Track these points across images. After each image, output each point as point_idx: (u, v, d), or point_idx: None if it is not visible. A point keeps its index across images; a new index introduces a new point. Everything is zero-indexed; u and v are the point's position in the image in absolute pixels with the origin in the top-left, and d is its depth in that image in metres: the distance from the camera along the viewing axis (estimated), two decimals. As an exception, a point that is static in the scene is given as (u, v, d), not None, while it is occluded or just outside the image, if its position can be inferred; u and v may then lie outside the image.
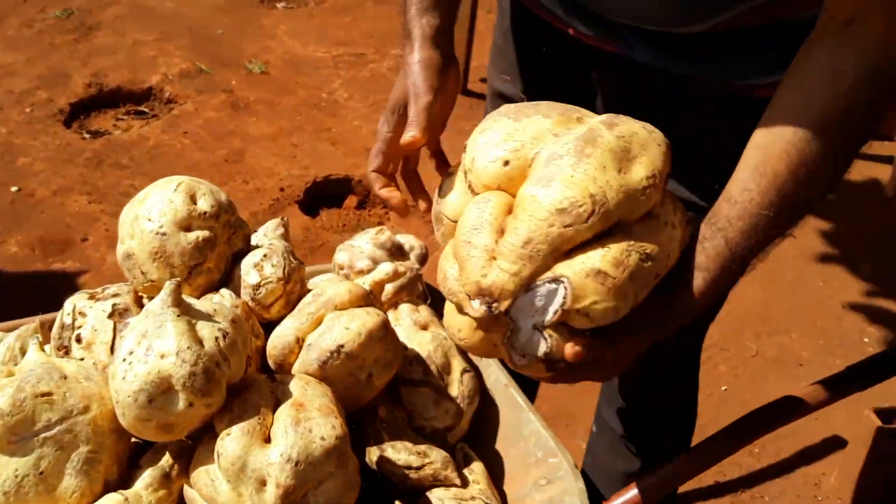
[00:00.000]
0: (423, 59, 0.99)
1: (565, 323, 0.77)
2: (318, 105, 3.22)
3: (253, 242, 1.21)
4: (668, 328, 0.82)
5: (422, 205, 1.02)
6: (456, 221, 0.85)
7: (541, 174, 0.78)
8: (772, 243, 0.83)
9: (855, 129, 0.78)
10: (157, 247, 1.05)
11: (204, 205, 1.10)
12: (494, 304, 0.77)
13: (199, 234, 1.08)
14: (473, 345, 0.85)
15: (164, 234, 1.06)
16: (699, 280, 0.81)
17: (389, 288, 1.23)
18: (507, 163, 0.81)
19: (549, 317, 0.77)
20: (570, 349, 0.77)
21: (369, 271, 1.28)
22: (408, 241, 1.42)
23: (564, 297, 0.76)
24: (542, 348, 0.78)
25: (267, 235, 1.26)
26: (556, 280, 0.76)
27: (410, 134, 0.95)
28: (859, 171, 3.17)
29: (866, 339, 2.39)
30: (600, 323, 0.77)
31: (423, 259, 1.39)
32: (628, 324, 0.79)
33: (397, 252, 1.34)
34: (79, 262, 2.35)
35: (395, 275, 1.26)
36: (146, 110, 3.11)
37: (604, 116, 0.84)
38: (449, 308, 0.87)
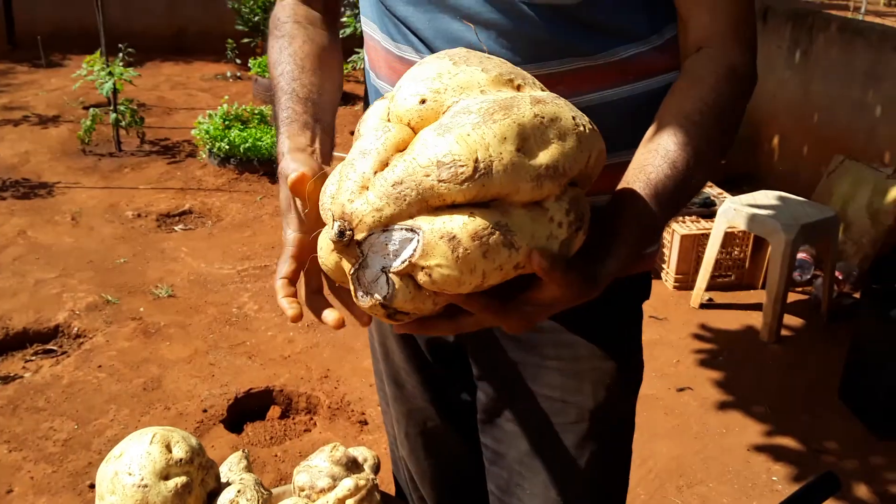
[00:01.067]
0: (293, 149, 0.95)
1: (412, 277, 0.75)
2: (230, 321, 3.31)
3: (222, 479, 1.29)
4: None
5: (331, 318, 0.89)
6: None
7: (443, 122, 0.76)
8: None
9: (722, 120, 0.95)
10: (139, 499, 1.12)
11: (179, 452, 1.20)
12: (348, 232, 0.75)
13: (178, 481, 1.17)
14: (328, 267, 0.82)
15: (145, 486, 1.14)
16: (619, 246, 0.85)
17: (350, 502, 1.32)
18: (423, 101, 0.78)
19: (397, 264, 0.74)
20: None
21: (330, 489, 1.37)
22: (360, 453, 1.52)
23: (414, 250, 0.73)
24: (383, 291, 0.75)
25: (232, 470, 1.34)
26: (412, 230, 0.74)
27: (294, 174, 0.86)
28: (736, 320, 3.49)
29: (775, 478, 2.57)
30: (443, 288, 0.74)
31: (376, 469, 1.49)
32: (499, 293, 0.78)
33: (353, 466, 1.44)
34: (3, 515, 2.29)
35: (356, 489, 1.36)
36: (55, 348, 3.12)
37: (544, 93, 0.81)
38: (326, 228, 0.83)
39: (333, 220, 0.76)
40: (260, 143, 4.75)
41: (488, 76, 0.80)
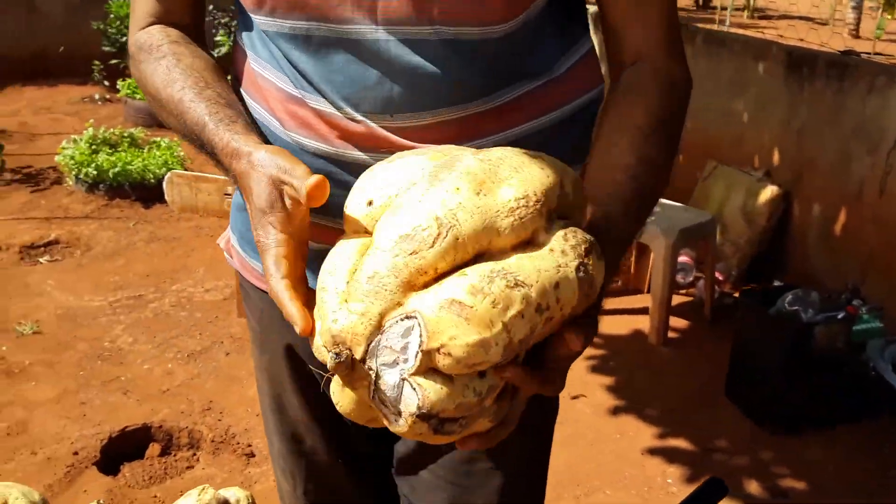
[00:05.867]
0: (253, 144, 0.86)
1: (436, 370, 0.67)
2: (102, 356, 3.11)
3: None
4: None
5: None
6: None
7: (393, 207, 0.72)
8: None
9: (669, 130, 0.96)
10: (-24, 569, 0.99)
11: (23, 511, 1.06)
12: (345, 352, 0.68)
13: (22, 543, 1.03)
14: (350, 411, 0.75)
15: (-17, 553, 1.00)
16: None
17: (228, 547, 1.22)
18: (370, 203, 0.74)
19: (411, 361, 0.67)
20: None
21: (203, 535, 1.26)
22: (232, 493, 1.41)
23: (420, 336, 0.66)
24: (412, 401, 0.67)
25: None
26: (407, 316, 0.67)
27: (313, 179, 0.77)
28: (624, 325, 3.53)
29: (669, 480, 2.59)
30: (470, 363, 0.67)
31: (253, 508, 1.38)
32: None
33: (227, 508, 1.33)
34: None
35: (232, 533, 1.25)
36: None
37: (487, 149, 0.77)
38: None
39: (328, 352, 0.69)
40: (130, 167, 4.52)
41: (428, 157, 0.75)
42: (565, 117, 1.02)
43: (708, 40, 4.36)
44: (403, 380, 0.67)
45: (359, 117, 0.93)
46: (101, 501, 1.24)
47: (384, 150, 0.93)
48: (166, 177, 4.41)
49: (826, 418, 2.82)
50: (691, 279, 3.85)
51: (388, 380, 0.68)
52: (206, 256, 3.94)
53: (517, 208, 0.70)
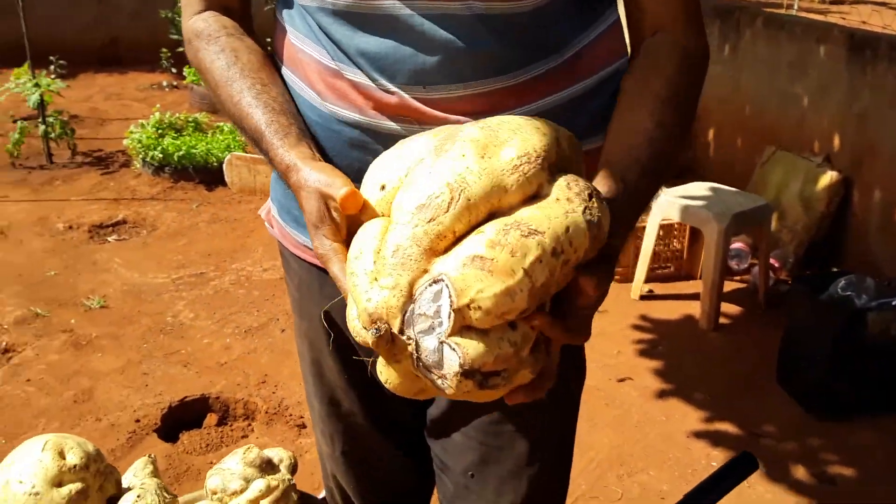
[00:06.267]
0: (302, 158, 0.94)
1: (470, 326, 0.71)
2: (164, 330, 3.24)
3: (125, 484, 1.24)
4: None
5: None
6: None
7: (405, 184, 0.76)
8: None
9: (686, 99, 1.00)
10: (31, 508, 1.07)
11: (73, 458, 1.14)
12: (384, 327, 0.72)
13: (72, 488, 1.12)
14: (397, 386, 0.78)
15: (36, 493, 1.09)
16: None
17: (265, 503, 1.28)
18: (383, 187, 0.79)
19: (445, 324, 0.70)
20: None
21: (242, 491, 1.33)
22: (276, 454, 1.48)
23: (450, 297, 0.70)
24: (454, 359, 0.70)
25: (137, 476, 1.29)
26: (434, 281, 0.71)
27: (344, 190, 0.84)
28: (675, 310, 3.51)
29: (714, 463, 2.58)
30: (499, 312, 0.70)
31: (293, 469, 1.45)
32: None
33: (267, 467, 1.40)
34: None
35: (269, 490, 1.32)
36: (-19, 364, 3.02)
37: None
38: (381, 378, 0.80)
39: (367, 331, 0.72)
40: (194, 151, 4.67)
41: (430, 134, 0.81)
42: (590, 88, 1.05)
43: (768, 23, 4.28)
44: (442, 343, 0.70)
45: (393, 88, 0.98)
46: (153, 455, 1.32)
47: (416, 120, 0.98)
48: (226, 159, 4.57)
49: (876, 405, 2.77)
50: (746, 265, 3.80)
51: (428, 345, 0.71)
52: (265, 237, 4.05)
53: (520, 165, 0.74)
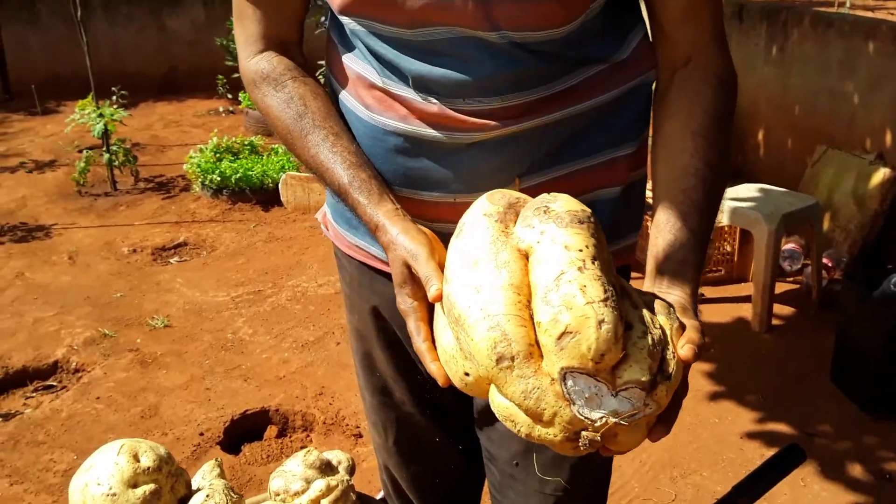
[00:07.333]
0: (389, 217, 1.01)
1: (616, 364, 0.79)
2: (225, 346, 3.36)
3: (194, 486, 1.32)
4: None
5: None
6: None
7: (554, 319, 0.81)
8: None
9: (726, 128, 1.06)
10: (109, 507, 1.16)
11: (147, 461, 1.23)
12: (583, 437, 0.79)
13: (146, 489, 1.20)
14: (634, 443, 0.83)
15: (113, 494, 1.17)
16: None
17: (325, 502, 1.35)
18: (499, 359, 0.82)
19: (604, 386, 0.79)
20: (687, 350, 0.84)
21: (304, 492, 1.41)
22: (335, 456, 1.55)
23: (582, 373, 0.78)
24: (638, 392, 0.79)
25: (205, 477, 1.38)
26: (563, 378, 0.78)
27: (434, 288, 0.91)
28: (727, 313, 3.51)
29: (769, 464, 2.58)
30: (614, 336, 0.78)
31: (351, 470, 1.52)
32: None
33: (327, 468, 1.47)
34: (6, 548, 2.33)
35: (329, 490, 1.39)
36: (55, 384, 3.17)
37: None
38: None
39: (578, 429, 0.79)
40: (251, 173, 4.82)
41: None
42: (624, 94, 1.10)
43: (814, 22, 4.25)
44: (616, 396, 0.79)
45: (434, 101, 1.05)
46: (219, 459, 1.40)
47: (457, 128, 1.06)
48: (282, 178, 4.71)
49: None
50: (799, 266, 3.78)
51: (612, 406, 0.79)
52: (319, 254, 4.17)
53: (500, 266, 0.84)
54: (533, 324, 0.81)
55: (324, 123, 1.09)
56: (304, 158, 1.11)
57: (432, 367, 0.92)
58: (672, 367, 0.82)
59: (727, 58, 1.08)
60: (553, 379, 0.79)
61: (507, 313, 0.80)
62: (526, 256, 0.84)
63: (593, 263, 0.81)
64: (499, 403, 0.84)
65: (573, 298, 0.78)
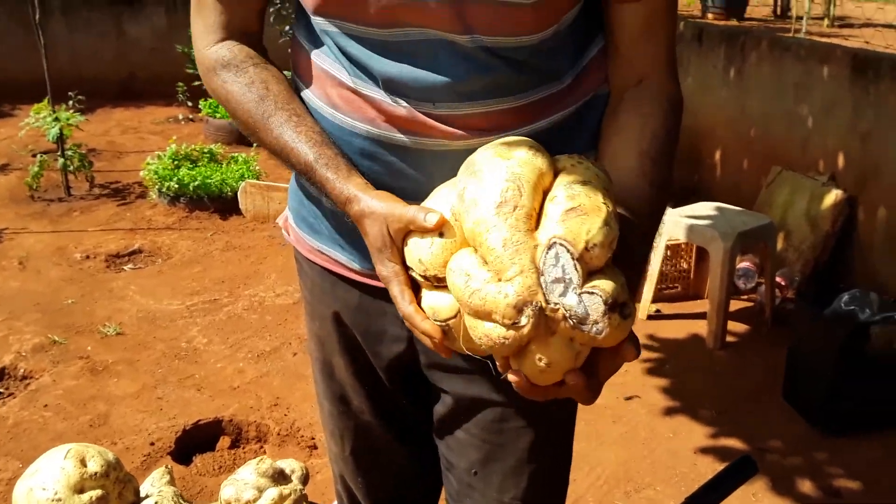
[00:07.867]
0: (361, 189, 1.01)
1: (594, 271, 0.80)
2: (179, 355, 3.30)
3: (142, 493, 1.29)
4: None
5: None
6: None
7: (468, 204, 0.85)
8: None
9: (671, 149, 1.07)
10: (52, 513, 1.13)
11: (94, 466, 1.20)
12: (535, 304, 0.78)
13: (93, 494, 1.17)
14: (560, 359, 0.83)
15: (59, 499, 1.14)
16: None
17: (276, 511, 1.33)
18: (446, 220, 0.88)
19: (575, 275, 0.79)
20: None
21: (255, 500, 1.38)
22: (288, 465, 1.53)
23: (568, 250, 0.79)
24: (599, 301, 0.79)
25: (154, 484, 1.35)
26: (549, 246, 0.79)
27: (433, 216, 0.90)
28: (682, 329, 3.55)
29: (721, 479, 2.61)
30: (608, 241, 0.80)
31: (304, 479, 1.50)
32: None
33: (280, 477, 1.45)
34: (-56, 560, 2.25)
35: (281, 498, 1.37)
36: (1, 390, 3.08)
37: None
38: (532, 370, 0.85)
39: (520, 321, 0.79)
40: (209, 181, 4.76)
41: (452, 183, 0.91)
42: (583, 106, 1.12)
43: (772, 45, 4.35)
44: (580, 294, 0.78)
45: (403, 104, 1.05)
46: (169, 466, 1.37)
47: (425, 133, 1.05)
48: (241, 186, 4.66)
49: (882, 420, 2.79)
50: (753, 284, 3.84)
51: (571, 302, 0.78)
52: (278, 264, 4.13)
53: (537, 152, 0.87)
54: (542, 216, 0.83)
55: (286, 105, 1.09)
56: (267, 141, 1.09)
57: (425, 326, 0.91)
58: (630, 312, 0.82)
59: (676, 80, 1.10)
60: (537, 245, 0.80)
61: (528, 179, 0.83)
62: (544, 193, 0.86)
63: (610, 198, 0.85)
64: (460, 262, 0.85)
65: (595, 194, 0.82)
